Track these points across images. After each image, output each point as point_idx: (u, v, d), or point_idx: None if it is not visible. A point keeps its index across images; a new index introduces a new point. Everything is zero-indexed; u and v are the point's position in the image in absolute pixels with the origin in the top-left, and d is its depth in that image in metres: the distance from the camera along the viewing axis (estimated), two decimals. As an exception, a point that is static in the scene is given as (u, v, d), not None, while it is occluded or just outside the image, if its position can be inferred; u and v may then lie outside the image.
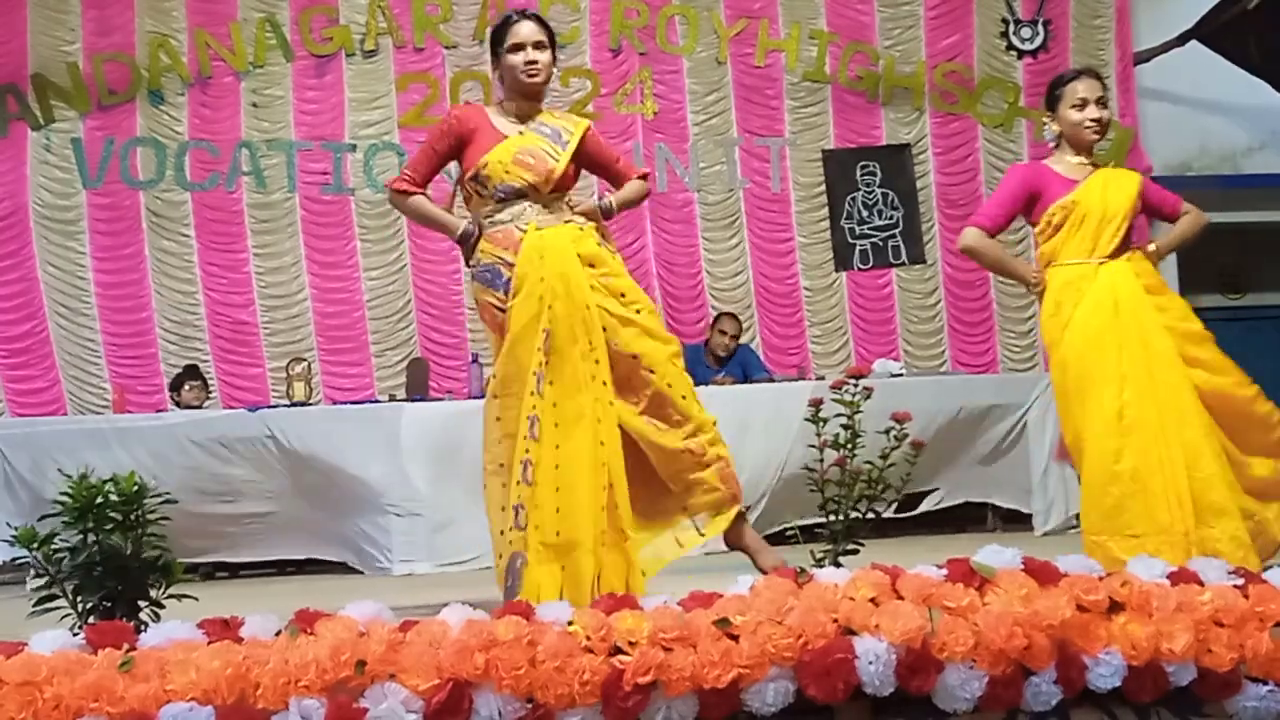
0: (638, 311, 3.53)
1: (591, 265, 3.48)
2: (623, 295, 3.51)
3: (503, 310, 3.44)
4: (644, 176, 3.81)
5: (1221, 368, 3.96)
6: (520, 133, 3.55)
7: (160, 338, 7.67)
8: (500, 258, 3.47)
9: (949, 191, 8.48)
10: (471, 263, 3.56)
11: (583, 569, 3.22)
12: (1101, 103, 4.01)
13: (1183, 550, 3.60)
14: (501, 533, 3.38)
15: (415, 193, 3.62)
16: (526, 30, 3.55)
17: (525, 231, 3.46)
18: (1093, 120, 3.99)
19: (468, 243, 3.54)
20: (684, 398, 3.52)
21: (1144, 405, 3.78)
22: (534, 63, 3.52)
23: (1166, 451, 3.74)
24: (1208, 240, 4.23)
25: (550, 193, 3.53)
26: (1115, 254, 3.96)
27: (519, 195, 3.50)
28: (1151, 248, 4.13)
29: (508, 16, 3.62)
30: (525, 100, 3.59)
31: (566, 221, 3.54)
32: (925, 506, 6.41)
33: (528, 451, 3.31)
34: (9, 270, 7.53)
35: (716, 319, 7.54)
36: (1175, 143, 8.67)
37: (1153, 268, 4.05)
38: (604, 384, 3.39)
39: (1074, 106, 4.00)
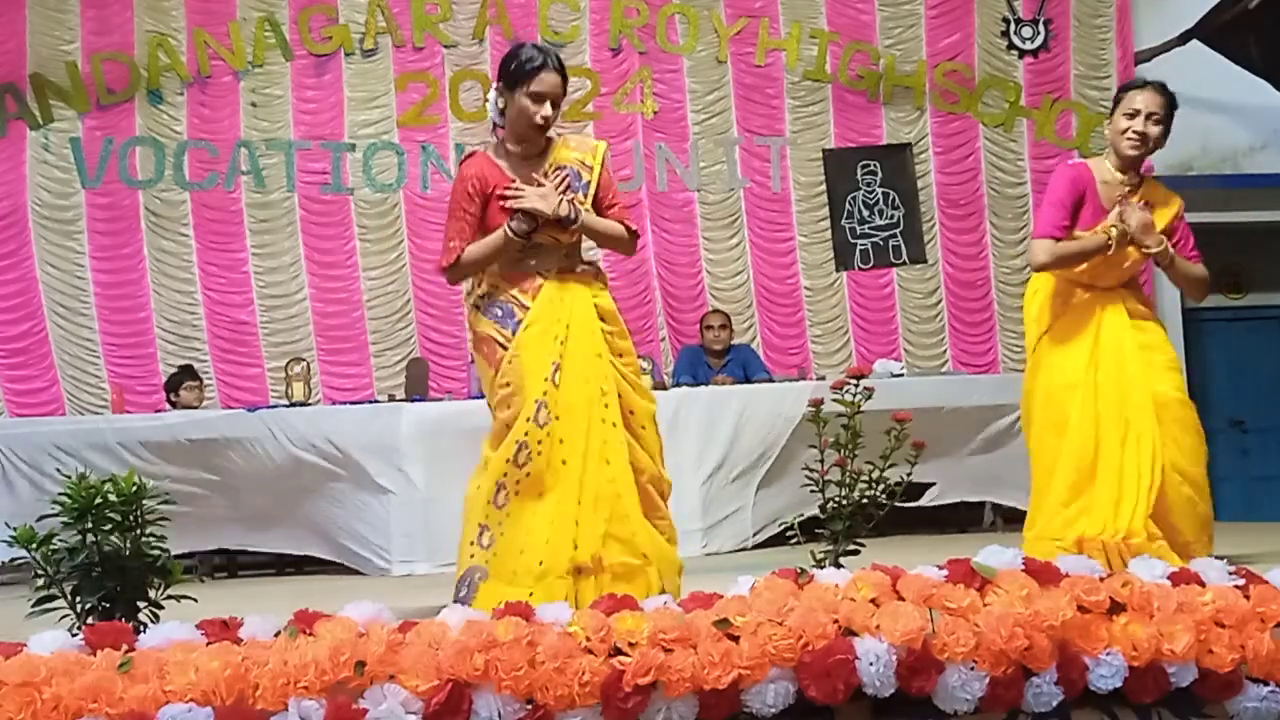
0: (634, 374, 3.56)
1: (603, 320, 3.49)
2: (621, 356, 3.51)
3: (505, 348, 3.42)
4: (633, 234, 3.64)
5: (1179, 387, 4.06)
6: (541, 178, 3.45)
7: (159, 337, 7.66)
8: (516, 299, 3.45)
9: (950, 191, 8.47)
10: (480, 295, 3.49)
11: (554, 596, 3.15)
12: (1155, 119, 3.96)
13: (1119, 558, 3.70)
14: (470, 543, 3.38)
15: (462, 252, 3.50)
16: (552, 82, 3.39)
17: (545, 278, 3.45)
18: (1136, 133, 3.94)
19: (522, 232, 3.40)
20: (661, 455, 3.56)
21: (1112, 420, 3.87)
22: (549, 118, 3.42)
23: (1128, 464, 3.84)
24: (1208, 240, 4.24)
25: (572, 238, 3.51)
26: (1124, 279, 4.06)
27: (544, 239, 3.46)
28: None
29: (532, 56, 3.41)
30: (531, 143, 3.49)
31: (582, 269, 3.52)
32: (923, 501, 6.39)
33: (505, 475, 3.33)
34: (7, 270, 7.53)
35: (701, 321, 7.56)
36: (1176, 142, 8.50)
37: (1142, 293, 4.16)
38: (614, 425, 3.38)
39: (1126, 115, 3.97)
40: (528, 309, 3.43)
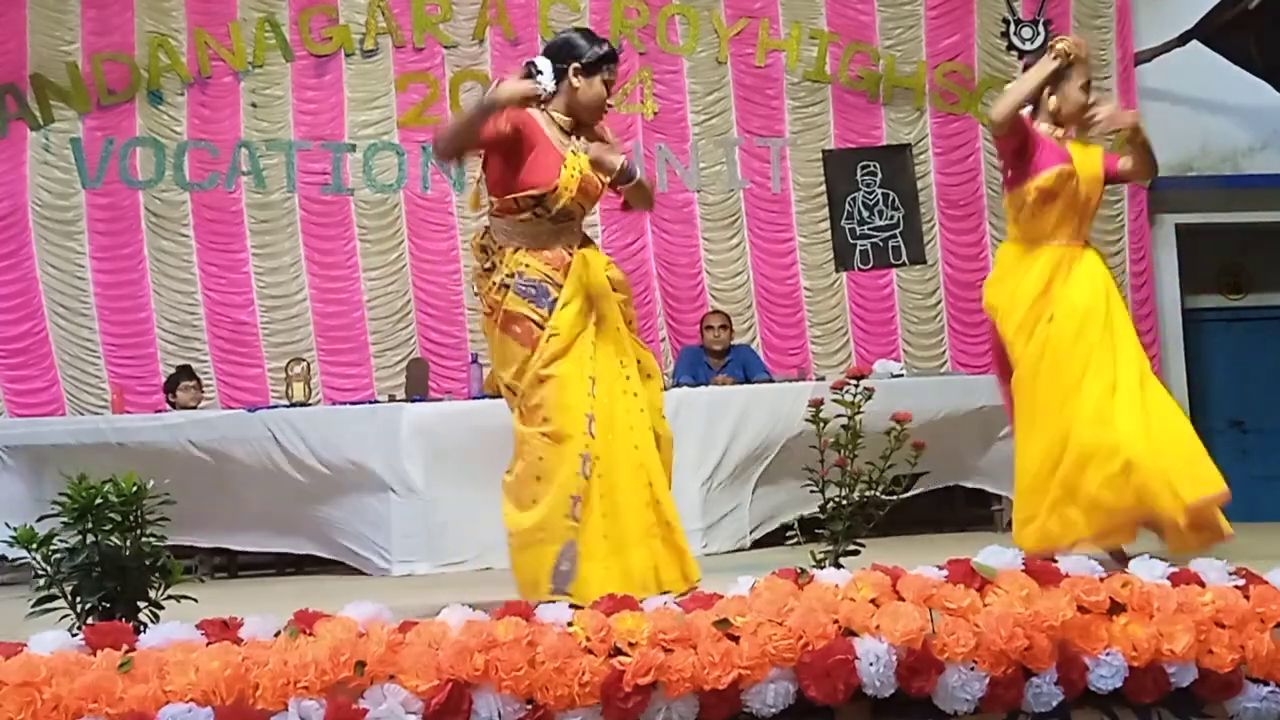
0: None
1: (616, 290, 3.60)
2: (629, 323, 3.64)
3: (542, 327, 3.46)
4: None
5: None
6: (573, 151, 3.56)
7: (159, 338, 7.66)
8: (549, 277, 3.50)
9: (949, 192, 8.47)
10: (509, 274, 3.50)
11: (634, 564, 3.33)
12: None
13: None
14: (565, 515, 3.37)
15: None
16: (616, 73, 3.64)
17: (571, 254, 3.54)
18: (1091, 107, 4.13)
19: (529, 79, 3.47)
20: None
21: (1113, 393, 3.94)
22: (610, 104, 3.63)
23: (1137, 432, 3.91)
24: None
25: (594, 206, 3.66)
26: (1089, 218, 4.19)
27: (569, 215, 3.55)
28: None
29: (608, 48, 3.59)
30: (578, 120, 3.61)
31: (589, 240, 3.66)
32: (915, 490, 6.36)
33: (587, 447, 3.39)
34: (8, 270, 7.52)
35: (701, 321, 7.57)
36: (1176, 143, 8.65)
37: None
38: (634, 395, 3.52)
39: (1081, 88, 4.09)
40: (561, 286, 3.49)
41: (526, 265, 3.50)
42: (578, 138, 3.60)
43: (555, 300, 3.47)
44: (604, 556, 3.35)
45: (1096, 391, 3.92)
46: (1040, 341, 4.04)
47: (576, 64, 3.54)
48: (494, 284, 3.53)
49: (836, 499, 3.40)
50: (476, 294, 3.67)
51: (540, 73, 3.55)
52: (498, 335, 3.54)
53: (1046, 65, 4.09)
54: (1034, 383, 4.06)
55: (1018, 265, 4.14)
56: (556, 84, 3.56)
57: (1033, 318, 4.05)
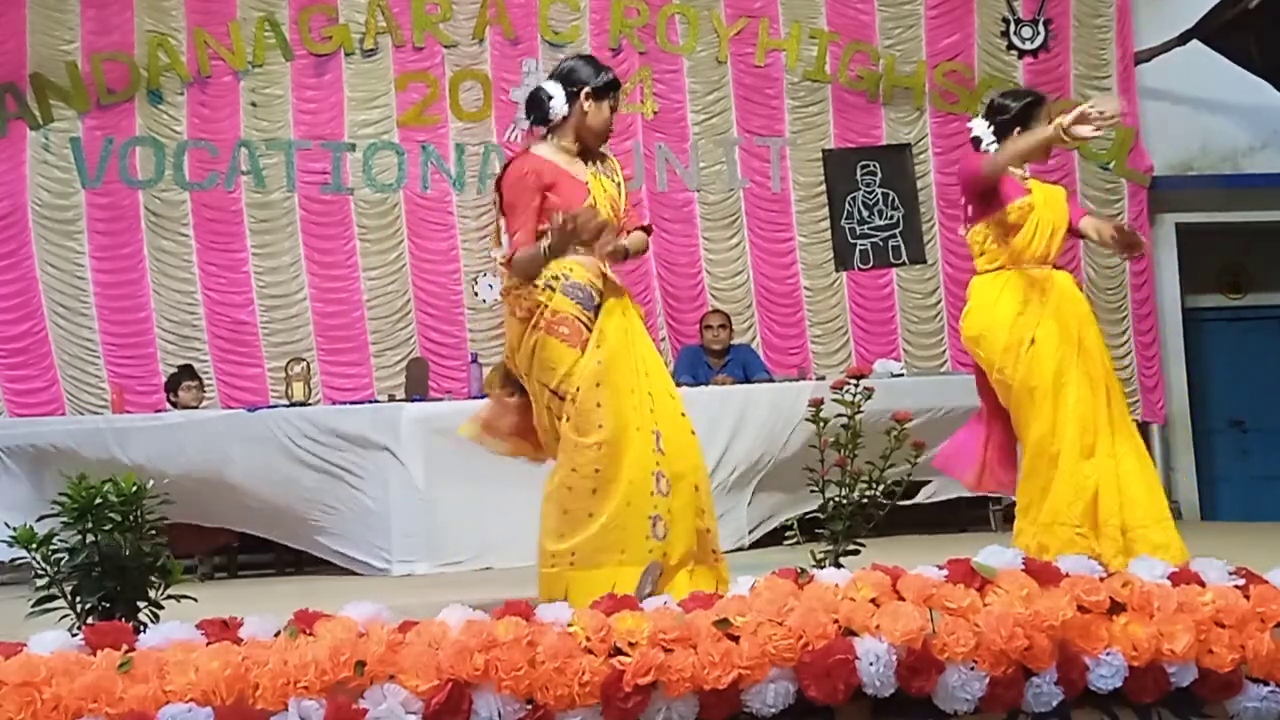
0: None
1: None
2: None
3: (589, 328, 3.48)
4: (648, 229, 3.86)
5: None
6: (594, 175, 3.64)
7: (159, 337, 7.66)
8: (593, 284, 3.54)
9: (949, 191, 8.45)
10: (553, 276, 3.50)
11: (679, 590, 3.23)
12: None
13: (1117, 547, 3.84)
14: (646, 536, 3.36)
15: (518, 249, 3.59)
16: (619, 99, 3.73)
17: (603, 267, 3.58)
18: None
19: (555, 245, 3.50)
20: None
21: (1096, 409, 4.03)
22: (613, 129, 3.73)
23: (1109, 452, 3.99)
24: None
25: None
26: (1057, 263, 4.24)
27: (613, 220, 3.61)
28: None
29: (613, 75, 3.67)
30: (590, 145, 3.67)
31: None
32: (919, 498, 6.36)
33: (659, 465, 3.40)
34: (7, 270, 7.52)
35: (701, 321, 7.57)
36: (1176, 142, 8.67)
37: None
38: (683, 415, 3.55)
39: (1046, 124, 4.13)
40: (602, 294, 3.53)
41: (571, 269, 3.51)
42: (586, 162, 3.65)
43: (600, 306, 3.51)
44: (671, 576, 3.35)
45: (1073, 433, 3.99)
46: (1025, 365, 4.07)
47: (587, 89, 3.60)
48: (536, 285, 3.49)
49: (836, 499, 3.40)
50: (506, 302, 3.60)
51: (551, 98, 3.59)
52: (540, 338, 3.48)
53: (1043, 133, 4.05)
54: (1029, 398, 4.09)
55: (988, 292, 4.20)
56: (567, 109, 3.60)
57: (1016, 339, 4.08)
